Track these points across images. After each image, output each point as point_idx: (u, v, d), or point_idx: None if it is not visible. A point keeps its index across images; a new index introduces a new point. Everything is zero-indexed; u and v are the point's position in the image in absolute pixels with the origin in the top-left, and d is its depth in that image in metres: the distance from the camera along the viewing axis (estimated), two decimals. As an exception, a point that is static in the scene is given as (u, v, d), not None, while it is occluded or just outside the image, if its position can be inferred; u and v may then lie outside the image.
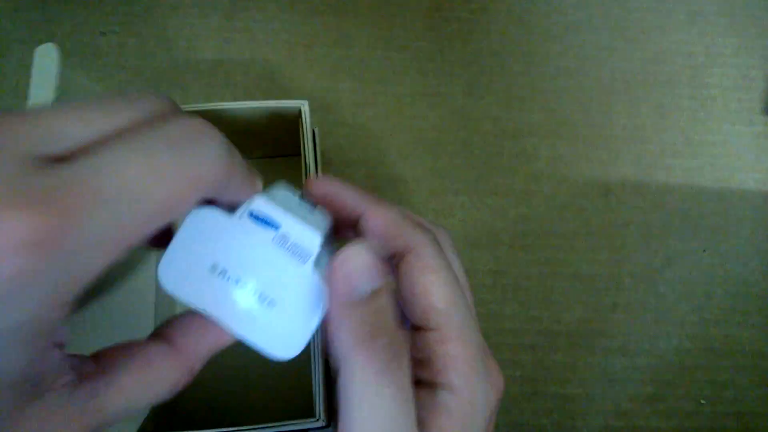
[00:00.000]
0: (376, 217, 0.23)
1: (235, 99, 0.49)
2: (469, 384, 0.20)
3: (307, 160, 0.35)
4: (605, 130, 0.50)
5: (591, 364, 0.44)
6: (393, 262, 0.22)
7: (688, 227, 0.48)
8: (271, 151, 0.45)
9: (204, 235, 0.20)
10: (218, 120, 0.40)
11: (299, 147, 0.36)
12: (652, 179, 0.49)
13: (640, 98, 0.51)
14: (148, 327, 0.38)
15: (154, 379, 0.19)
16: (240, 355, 0.40)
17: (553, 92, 0.51)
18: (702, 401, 0.43)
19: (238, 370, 0.41)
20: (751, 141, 0.50)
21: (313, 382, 0.30)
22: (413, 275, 0.21)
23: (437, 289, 0.21)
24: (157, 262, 0.27)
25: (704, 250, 0.47)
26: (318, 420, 0.29)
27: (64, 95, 0.30)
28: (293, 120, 0.38)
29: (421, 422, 0.19)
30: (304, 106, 0.36)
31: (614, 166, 0.49)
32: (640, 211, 0.48)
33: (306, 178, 0.36)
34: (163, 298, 0.39)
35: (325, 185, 0.24)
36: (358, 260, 0.19)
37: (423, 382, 0.20)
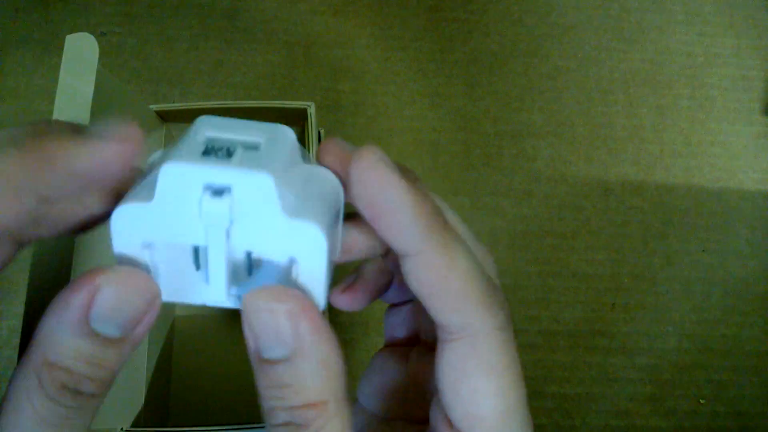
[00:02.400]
0: (432, 271, 0.15)
1: (236, 99, 0.49)
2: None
3: (311, 161, 0.35)
4: (605, 130, 0.50)
5: (590, 364, 0.44)
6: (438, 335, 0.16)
7: (687, 227, 0.48)
8: None
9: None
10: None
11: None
12: (652, 179, 0.49)
13: (639, 98, 0.51)
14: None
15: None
16: (235, 353, 0.41)
17: (552, 92, 0.51)
18: (701, 401, 0.43)
19: (232, 368, 0.41)
20: (751, 141, 0.50)
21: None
22: (463, 369, 0.16)
23: (491, 399, 0.16)
24: None
25: (703, 250, 0.47)
26: None
27: (99, 91, 0.29)
28: (298, 121, 0.38)
29: None
30: (311, 108, 0.36)
31: (614, 166, 0.49)
32: (640, 211, 0.48)
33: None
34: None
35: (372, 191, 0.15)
36: (269, 321, 0.15)
37: None
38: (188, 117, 0.39)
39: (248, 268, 0.17)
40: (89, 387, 0.15)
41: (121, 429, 0.31)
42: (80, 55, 0.29)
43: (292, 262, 0.16)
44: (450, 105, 0.50)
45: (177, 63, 0.50)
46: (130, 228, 0.16)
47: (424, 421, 0.18)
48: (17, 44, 0.50)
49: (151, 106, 0.38)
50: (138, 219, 0.16)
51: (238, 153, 0.16)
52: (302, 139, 0.37)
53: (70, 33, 0.52)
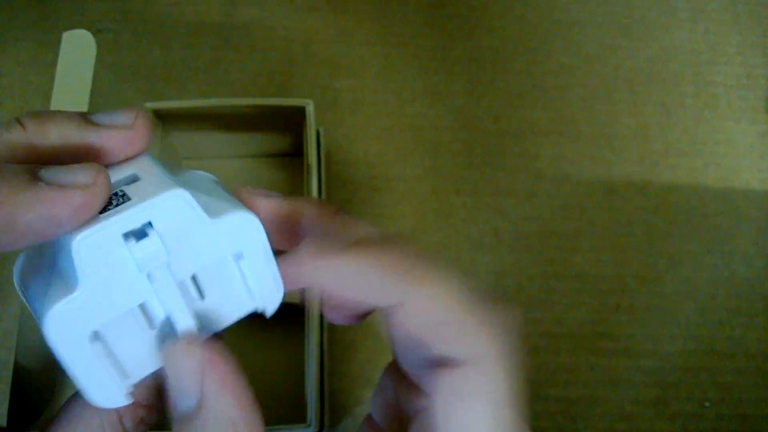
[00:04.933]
0: (416, 311, 0.15)
1: (233, 97, 0.48)
2: None
3: (309, 161, 0.35)
4: (608, 129, 0.50)
5: (594, 367, 0.43)
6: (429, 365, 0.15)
7: (692, 227, 0.47)
8: (274, 149, 0.45)
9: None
10: (220, 116, 0.39)
11: (302, 146, 0.35)
12: (656, 178, 0.48)
13: (643, 96, 0.51)
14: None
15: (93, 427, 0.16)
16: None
17: (555, 90, 0.51)
18: (706, 403, 0.43)
19: None
20: (756, 140, 0.50)
21: (306, 387, 0.29)
22: (451, 401, 0.15)
23: (488, 425, 0.15)
24: None
25: (708, 251, 0.47)
26: (310, 426, 0.29)
27: (95, 89, 0.28)
28: (297, 119, 0.37)
29: None
30: (309, 106, 0.36)
31: (618, 166, 0.49)
32: (644, 211, 0.47)
33: (306, 176, 0.35)
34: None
35: (294, 269, 0.16)
36: (179, 374, 0.15)
37: None
38: (185, 115, 0.39)
39: (199, 292, 0.16)
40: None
41: None
42: (77, 52, 0.29)
43: (237, 258, 0.16)
44: (451, 103, 0.50)
45: (173, 60, 0.50)
46: (68, 328, 0.14)
47: None
48: (13, 41, 0.50)
49: (147, 104, 0.37)
50: (73, 314, 0.14)
51: (129, 190, 0.15)
52: (300, 138, 0.37)
53: (66, 30, 0.52)
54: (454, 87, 0.50)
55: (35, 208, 0.13)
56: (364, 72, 0.50)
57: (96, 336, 0.15)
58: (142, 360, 0.16)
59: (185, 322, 0.16)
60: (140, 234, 0.14)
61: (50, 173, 0.13)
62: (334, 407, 0.41)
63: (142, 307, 0.16)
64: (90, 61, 0.29)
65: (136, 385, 0.16)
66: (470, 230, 0.46)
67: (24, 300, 0.16)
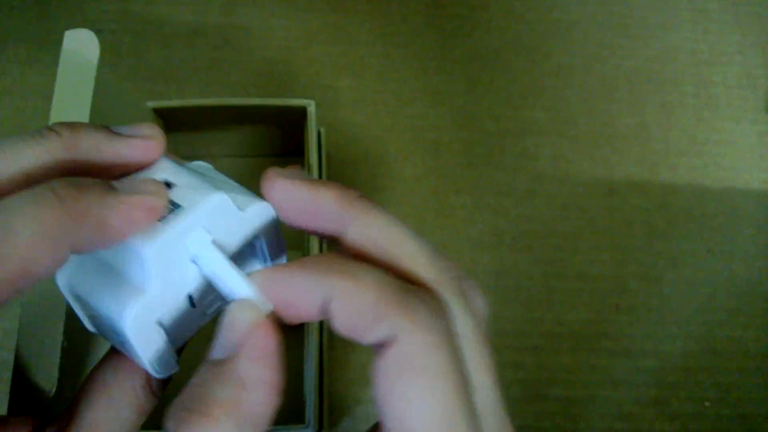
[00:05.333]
0: (345, 299, 0.15)
1: (235, 96, 0.48)
2: None
3: (309, 161, 0.35)
4: (608, 129, 0.50)
5: (594, 367, 0.43)
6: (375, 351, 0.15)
7: (692, 227, 0.47)
8: (275, 149, 0.45)
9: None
10: (221, 115, 0.39)
11: (303, 146, 0.35)
12: (656, 178, 0.48)
13: (643, 96, 0.51)
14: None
15: (119, 407, 0.18)
16: None
17: (555, 90, 0.51)
18: (706, 403, 0.43)
19: None
20: (756, 140, 0.50)
21: (305, 387, 0.29)
22: (389, 378, 0.14)
23: (420, 406, 0.14)
24: None
25: (708, 251, 0.47)
26: (308, 427, 0.29)
27: (97, 89, 0.28)
28: (298, 119, 0.37)
29: None
30: (310, 106, 0.36)
31: (618, 165, 0.49)
32: (644, 211, 0.47)
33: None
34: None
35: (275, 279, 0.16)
36: (235, 322, 0.16)
37: None
38: (186, 114, 0.39)
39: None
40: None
41: None
42: (79, 52, 0.29)
43: (257, 240, 0.19)
44: (451, 103, 0.50)
45: (173, 60, 0.49)
46: (141, 321, 0.17)
47: None
48: (12, 41, 0.50)
49: (148, 103, 0.37)
50: (145, 310, 0.17)
51: (174, 196, 0.17)
52: (301, 138, 0.37)
53: (66, 30, 0.52)
54: (454, 87, 0.50)
55: (121, 212, 0.15)
56: (364, 72, 0.50)
57: (159, 323, 0.17)
58: (184, 332, 0.18)
59: (244, 291, 0.17)
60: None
61: (123, 184, 0.16)
62: (333, 407, 0.41)
63: (189, 299, 0.18)
64: (93, 61, 0.29)
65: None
66: (470, 230, 0.46)
67: (72, 303, 0.18)
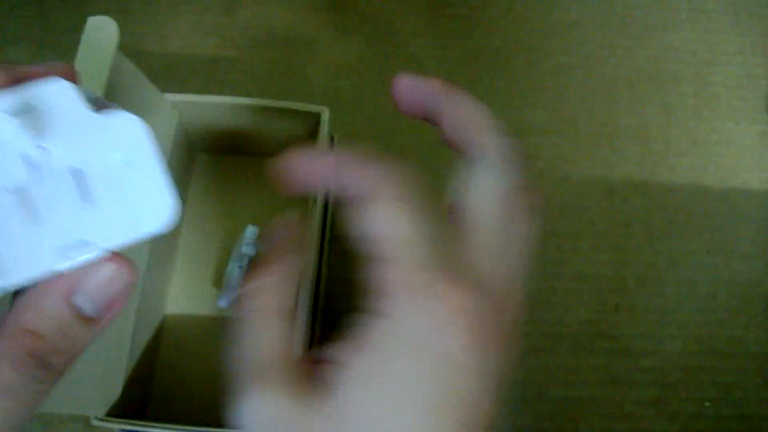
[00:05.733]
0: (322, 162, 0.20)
1: (251, 97, 0.49)
2: (398, 311, 0.17)
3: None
4: (608, 129, 0.50)
5: (594, 367, 0.43)
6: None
7: (692, 227, 0.47)
8: (284, 150, 0.45)
9: None
10: (227, 114, 0.40)
11: None
12: (656, 178, 0.48)
13: (644, 96, 0.51)
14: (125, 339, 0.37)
15: None
16: (219, 357, 0.40)
17: (555, 90, 0.51)
18: (706, 403, 0.43)
19: (219, 369, 0.40)
20: (756, 140, 0.50)
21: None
22: (365, 214, 0.18)
23: (389, 219, 0.18)
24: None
25: (708, 251, 0.47)
26: None
27: (116, 77, 0.28)
28: (311, 123, 0.37)
29: (345, 349, 0.18)
30: (324, 113, 0.36)
31: (618, 165, 0.48)
32: (644, 211, 0.47)
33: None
34: (146, 305, 0.39)
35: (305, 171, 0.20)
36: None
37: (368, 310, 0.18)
38: (202, 110, 0.39)
39: (82, 189, 0.17)
40: (56, 359, 0.16)
41: (95, 417, 0.31)
42: (99, 39, 0.29)
43: (126, 164, 0.17)
44: (451, 103, 0.50)
45: (173, 60, 0.49)
46: None
47: None
48: (12, 41, 0.50)
49: (167, 96, 0.38)
50: None
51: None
52: (312, 144, 0.37)
53: (65, 30, 0.52)
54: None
55: None
56: (365, 72, 0.50)
57: None
58: (25, 258, 0.16)
59: (63, 217, 0.16)
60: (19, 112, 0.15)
61: None
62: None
63: (25, 197, 0.16)
64: (111, 48, 0.28)
65: (17, 285, 0.16)
66: (470, 230, 0.46)
67: None
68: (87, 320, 0.17)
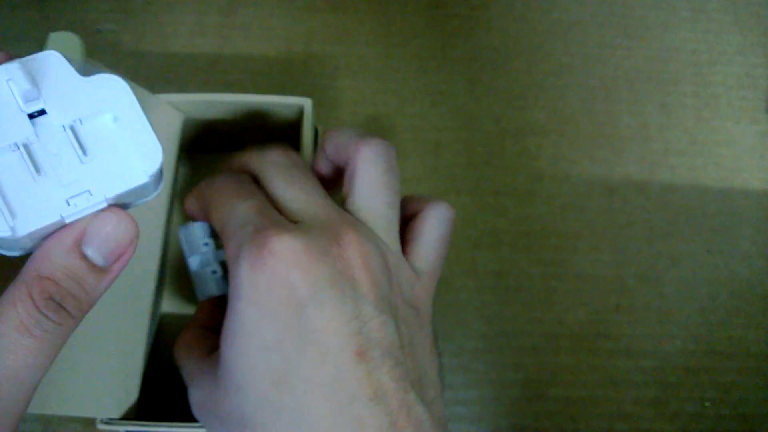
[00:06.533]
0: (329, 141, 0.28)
1: (233, 93, 0.49)
2: (367, 198, 0.26)
3: (305, 158, 0.35)
4: (609, 129, 0.50)
5: (594, 367, 0.43)
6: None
7: (692, 227, 0.47)
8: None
9: None
10: (217, 110, 0.40)
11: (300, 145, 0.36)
12: (656, 178, 0.48)
13: (644, 96, 0.51)
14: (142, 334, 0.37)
15: None
16: None
17: (555, 90, 0.51)
18: (706, 403, 0.43)
19: None
20: (756, 140, 0.50)
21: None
22: (357, 165, 0.26)
23: (373, 172, 0.26)
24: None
25: (708, 251, 0.47)
26: None
27: None
28: (296, 117, 0.37)
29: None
30: (307, 104, 0.36)
31: (618, 165, 0.48)
32: (644, 211, 0.47)
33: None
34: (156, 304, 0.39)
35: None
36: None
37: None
38: (185, 108, 0.39)
39: (80, 145, 0.19)
40: (71, 304, 0.18)
41: (100, 420, 0.31)
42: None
43: (115, 120, 0.19)
44: (451, 103, 0.50)
45: (173, 60, 0.49)
46: None
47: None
48: (13, 41, 0.50)
49: (161, 95, 0.38)
50: None
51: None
52: (298, 137, 0.37)
53: (66, 30, 0.52)
54: (455, 87, 0.50)
55: None
56: (364, 72, 0.50)
57: None
58: (33, 208, 0.18)
59: (69, 168, 0.18)
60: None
61: None
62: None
63: (29, 152, 0.18)
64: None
65: (31, 235, 0.18)
66: (470, 230, 0.46)
67: None
68: (98, 270, 0.19)
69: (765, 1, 0.54)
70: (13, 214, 0.17)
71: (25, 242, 0.18)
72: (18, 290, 0.17)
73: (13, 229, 0.17)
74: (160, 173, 0.20)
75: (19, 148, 0.18)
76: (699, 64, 0.52)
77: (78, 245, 0.18)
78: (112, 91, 0.19)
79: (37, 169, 0.18)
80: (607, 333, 0.44)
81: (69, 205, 0.18)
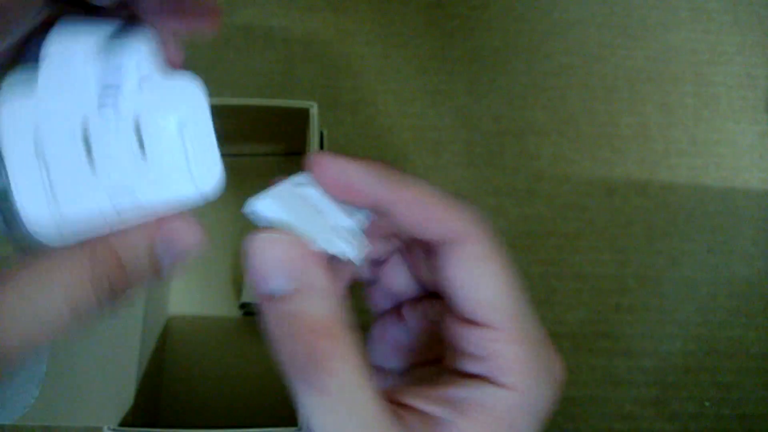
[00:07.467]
0: (406, 202, 0.19)
1: (234, 97, 0.48)
2: (522, 384, 0.19)
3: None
4: (609, 129, 0.50)
5: (594, 366, 0.43)
6: (433, 249, 0.20)
7: (692, 227, 0.47)
8: (279, 148, 0.45)
9: None
10: (224, 114, 0.40)
11: (305, 146, 0.35)
12: (656, 178, 0.48)
13: (644, 96, 0.51)
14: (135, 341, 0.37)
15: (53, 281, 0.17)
16: (228, 356, 0.40)
17: (555, 90, 0.50)
18: (706, 403, 0.43)
19: (226, 370, 0.40)
20: (756, 140, 0.50)
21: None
22: (460, 264, 0.19)
23: (488, 281, 0.19)
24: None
25: (708, 251, 0.47)
26: (300, 430, 0.29)
27: None
28: (300, 120, 0.37)
29: (461, 412, 0.18)
30: (313, 108, 0.36)
31: (618, 165, 0.48)
32: (644, 211, 0.47)
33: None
34: (152, 308, 0.39)
35: (330, 172, 0.19)
36: (269, 253, 0.17)
37: (475, 375, 0.19)
38: None
39: (140, 142, 0.17)
40: (121, 294, 0.17)
41: (108, 428, 0.31)
42: None
43: (180, 126, 0.17)
44: (451, 103, 0.50)
45: (173, 60, 0.49)
46: (16, 120, 0.16)
47: (438, 360, 0.21)
48: (12, 41, 0.49)
49: None
50: (24, 109, 0.16)
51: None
52: (304, 140, 0.37)
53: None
54: (455, 87, 0.50)
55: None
56: (365, 72, 0.50)
57: (36, 145, 0.16)
58: (77, 190, 0.16)
59: (120, 158, 0.16)
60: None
61: None
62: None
63: (85, 135, 0.16)
64: None
65: (67, 219, 0.16)
66: (470, 230, 0.46)
67: None
68: (156, 265, 0.17)
69: (765, 1, 0.54)
70: (57, 195, 0.16)
71: (65, 230, 0.17)
72: (80, 262, 0.16)
73: (51, 214, 0.16)
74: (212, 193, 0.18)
75: (79, 131, 0.16)
76: (699, 64, 0.52)
77: (153, 237, 0.17)
78: (185, 94, 0.17)
79: (92, 157, 0.16)
80: (607, 333, 0.44)
81: (112, 205, 0.17)
